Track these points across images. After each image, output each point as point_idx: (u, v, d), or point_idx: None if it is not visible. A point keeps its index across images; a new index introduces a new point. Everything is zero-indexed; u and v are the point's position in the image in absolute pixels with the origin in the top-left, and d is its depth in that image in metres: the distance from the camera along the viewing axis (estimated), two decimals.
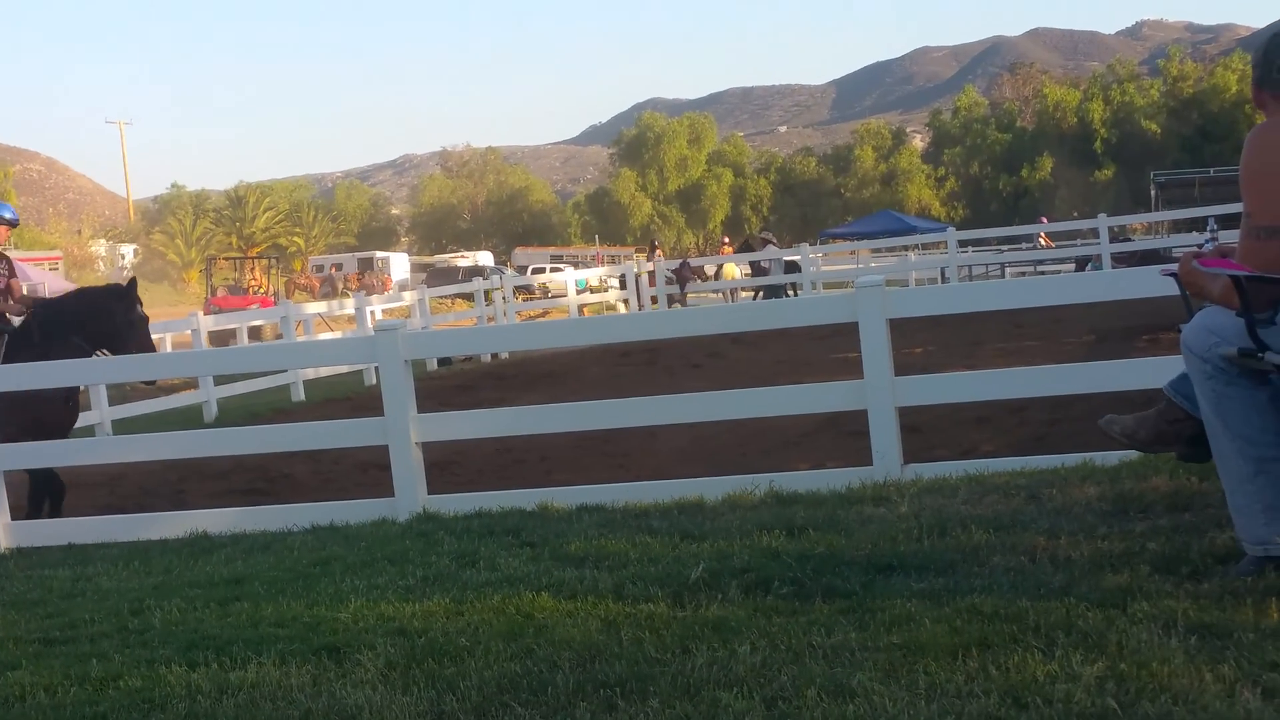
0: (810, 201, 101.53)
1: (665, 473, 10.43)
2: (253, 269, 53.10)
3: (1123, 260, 27.03)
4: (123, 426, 17.26)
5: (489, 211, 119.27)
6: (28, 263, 40.04)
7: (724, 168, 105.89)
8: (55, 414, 10.75)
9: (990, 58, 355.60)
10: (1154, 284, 6.88)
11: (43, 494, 10.67)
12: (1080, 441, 8.69)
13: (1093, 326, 18.65)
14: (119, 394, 19.51)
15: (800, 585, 5.00)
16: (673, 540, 6.17)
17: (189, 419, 17.79)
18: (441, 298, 37.58)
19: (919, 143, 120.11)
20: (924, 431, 10.98)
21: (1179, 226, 40.01)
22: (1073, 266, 33.88)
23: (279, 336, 24.24)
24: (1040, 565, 4.90)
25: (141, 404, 19.61)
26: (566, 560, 6.01)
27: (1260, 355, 4.24)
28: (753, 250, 37.19)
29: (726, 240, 39.79)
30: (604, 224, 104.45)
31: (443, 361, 24.02)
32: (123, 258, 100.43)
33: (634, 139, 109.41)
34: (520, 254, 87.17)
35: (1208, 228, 19.97)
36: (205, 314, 24.56)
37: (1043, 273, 34.78)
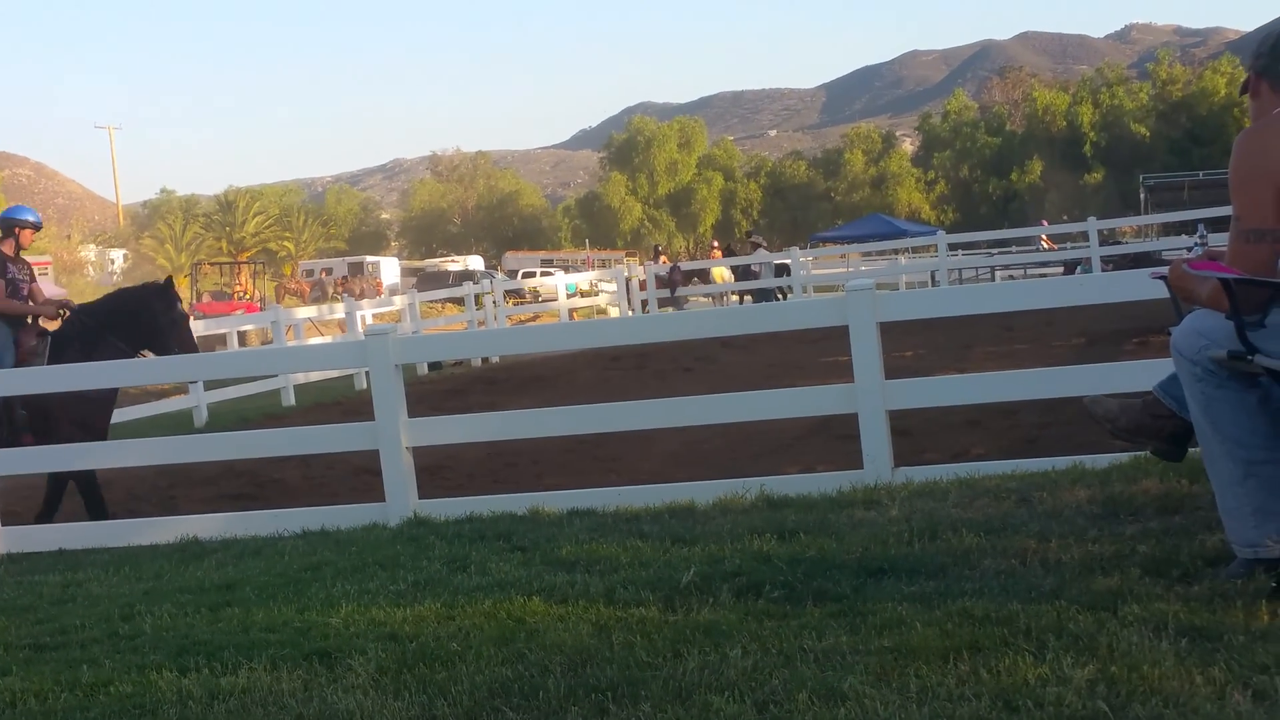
0: (800, 205, 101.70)
1: (656, 477, 10.41)
2: (239, 274, 52.95)
3: (1112, 263, 27.08)
4: (113, 431, 17.16)
5: (479, 216, 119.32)
6: None
7: (714, 171, 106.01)
8: (101, 415, 10.82)
9: (980, 61, 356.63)
10: (1144, 287, 6.89)
11: (66, 492, 10.77)
12: (1071, 445, 8.71)
13: (1083, 329, 18.67)
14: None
15: (791, 589, 5.00)
16: (664, 544, 6.17)
17: (179, 424, 17.76)
18: (432, 302, 37.54)
19: (909, 146, 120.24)
20: (914, 435, 10.98)
21: (1168, 229, 40.03)
22: (1061, 270, 33.92)
23: (266, 341, 24.26)
24: (1031, 568, 4.91)
25: (132, 409, 19.53)
26: (558, 565, 6.00)
27: (1249, 358, 4.25)
28: (735, 255, 37.22)
29: (715, 244, 39.79)
30: (594, 228, 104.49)
31: (433, 366, 24.00)
32: (112, 263, 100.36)
33: (624, 143, 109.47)
34: (511, 258, 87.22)
35: (1197, 233, 20.01)
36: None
37: (1033, 276, 34.85)
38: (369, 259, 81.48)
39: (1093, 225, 28.76)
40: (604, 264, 69.98)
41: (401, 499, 8.66)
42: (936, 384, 9.04)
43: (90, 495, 10.74)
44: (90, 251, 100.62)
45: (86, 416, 10.70)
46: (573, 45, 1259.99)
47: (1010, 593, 4.58)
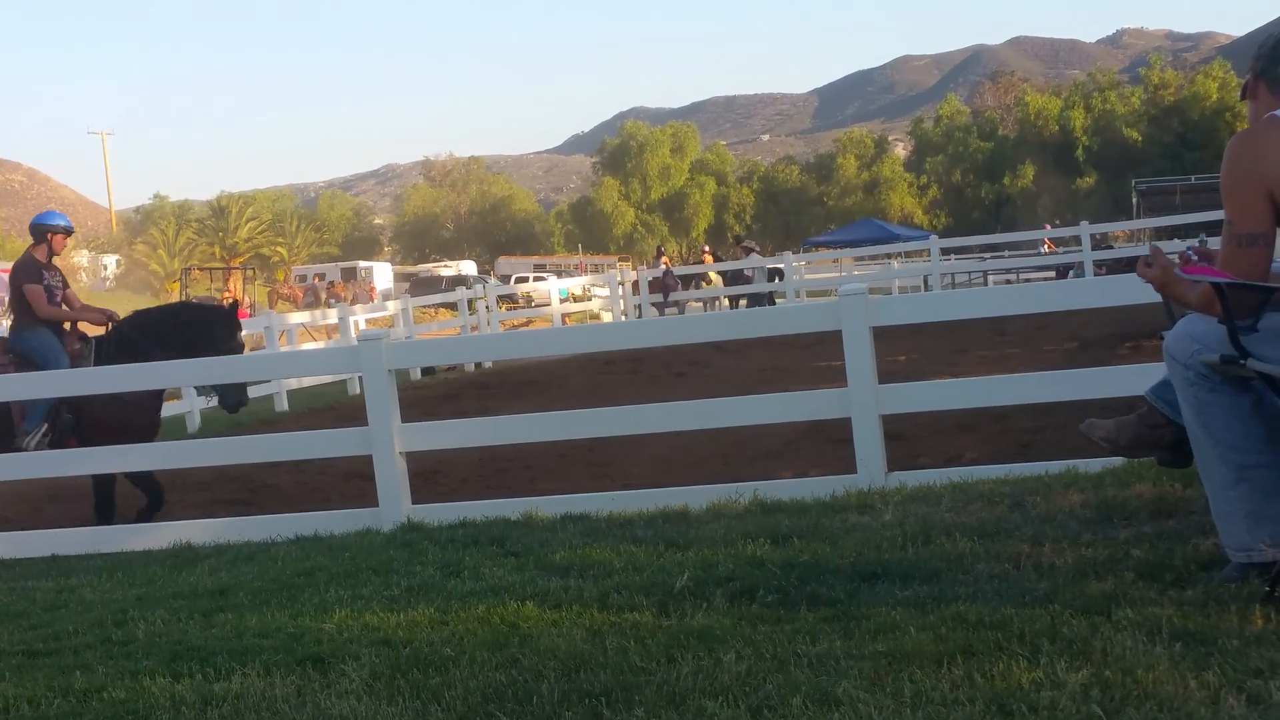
0: (793, 210, 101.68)
1: (649, 481, 10.40)
2: (228, 279, 52.76)
3: (1105, 267, 27.13)
4: None
5: (472, 221, 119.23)
6: (8, 274, 39.85)
7: (707, 176, 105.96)
8: (142, 419, 10.82)
9: (972, 66, 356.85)
10: (1136, 292, 6.90)
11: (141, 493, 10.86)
12: (1064, 449, 8.71)
13: (1075, 334, 18.68)
14: None
15: (785, 594, 5.00)
16: (657, 549, 6.17)
17: (172, 429, 17.70)
18: (425, 307, 37.52)
19: (901, 151, 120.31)
20: (908, 439, 10.99)
21: (1161, 234, 40.09)
22: (1053, 274, 33.97)
23: (258, 347, 24.19)
24: (1025, 573, 4.91)
25: None
26: (551, 569, 6.00)
27: (1242, 362, 4.25)
28: (723, 261, 37.25)
29: (706, 249, 39.80)
30: (587, 233, 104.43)
31: (426, 371, 23.99)
32: (105, 268, 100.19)
33: (617, 148, 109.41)
34: (504, 263, 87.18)
35: (1199, 239, 20.08)
36: None
37: (1026, 280, 34.88)
38: (362, 264, 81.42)
39: (1085, 229, 28.78)
40: (597, 269, 70.00)
41: (395, 504, 8.66)
42: (929, 388, 9.05)
43: (152, 493, 10.87)
44: (83, 257, 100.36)
45: (129, 420, 10.68)
46: (565, 50, 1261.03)
47: (1004, 597, 4.58)
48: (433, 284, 63.38)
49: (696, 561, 5.73)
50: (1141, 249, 33.30)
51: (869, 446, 7.88)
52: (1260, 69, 4.58)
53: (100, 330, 11.28)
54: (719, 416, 9.17)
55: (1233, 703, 3.41)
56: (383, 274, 78.62)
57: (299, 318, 27.13)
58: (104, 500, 10.83)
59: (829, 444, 11.08)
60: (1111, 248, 35.53)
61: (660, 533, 6.61)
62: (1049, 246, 40.12)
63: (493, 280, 63.81)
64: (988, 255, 46.95)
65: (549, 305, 34.20)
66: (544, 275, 64.87)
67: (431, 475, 11.79)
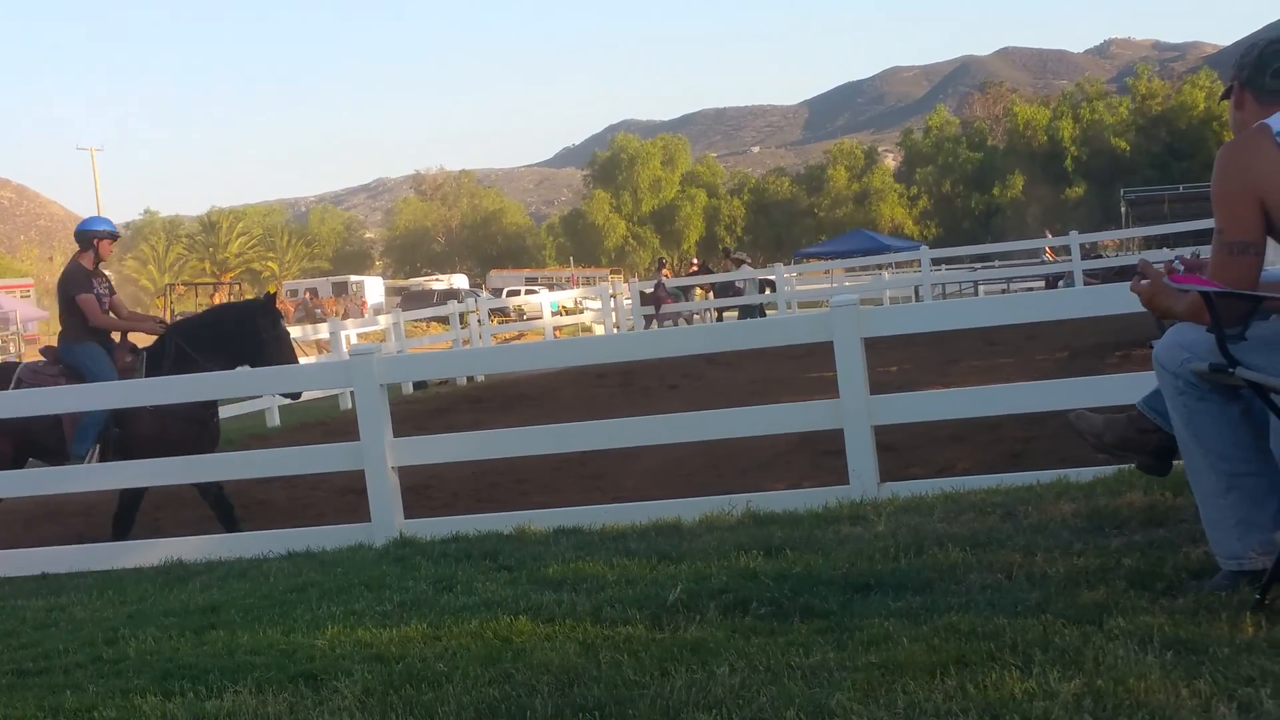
0: (784, 221, 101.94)
1: (642, 494, 10.40)
2: (213, 295, 52.55)
3: (1096, 277, 27.17)
4: None
5: (463, 234, 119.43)
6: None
7: (697, 188, 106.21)
8: (196, 430, 10.78)
9: (960, 77, 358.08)
10: (1125, 301, 6.91)
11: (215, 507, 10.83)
12: (1055, 458, 8.73)
13: (1066, 343, 18.72)
14: None
15: (778, 605, 5.00)
16: (650, 562, 6.16)
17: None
18: (416, 321, 37.50)
19: (891, 162, 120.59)
20: (900, 450, 10.99)
21: (1149, 243, 40.22)
22: (1043, 284, 34.01)
23: None
24: (1017, 582, 4.91)
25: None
26: (544, 583, 5.99)
27: (1231, 371, 4.26)
28: (711, 273, 37.28)
29: (695, 261, 39.84)
30: (578, 246, 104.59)
31: (418, 385, 23.95)
32: None
33: (607, 161, 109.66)
34: (495, 276, 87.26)
35: (1192, 253, 20.17)
36: None
37: (1016, 290, 34.93)
38: (353, 278, 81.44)
39: (1074, 239, 28.86)
40: (588, 281, 70.03)
41: (387, 519, 8.65)
42: (921, 399, 9.07)
43: (221, 506, 10.82)
44: None
45: (177, 435, 10.64)
46: (556, 63, 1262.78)
47: (996, 607, 4.58)
48: (424, 298, 63.43)
49: (689, 574, 5.73)
50: (1131, 258, 33.46)
51: (861, 457, 7.88)
52: (1246, 78, 4.59)
53: (149, 340, 11.24)
54: (711, 429, 9.17)
55: (1224, 711, 3.41)
56: (374, 288, 78.65)
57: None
58: (126, 514, 10.78)
59: (821, 455, 11.08)
60: (1101, 257, 35.60)
61: (653, 545, 6.61)
62: (1050, 255, 40.18)
63: (484, 294, 63.73)
64: (978, 265, 47.07)
65: (541, 318, 34.20)
66: (535, 288, 64.94)
67: (424, 490, 11.78)
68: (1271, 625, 4.01)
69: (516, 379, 23.13)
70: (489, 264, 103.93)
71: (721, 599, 5.18)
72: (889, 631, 4.43)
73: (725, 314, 32.64)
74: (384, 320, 28.64)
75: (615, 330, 31.34)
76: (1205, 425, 4.44)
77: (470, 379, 24.62)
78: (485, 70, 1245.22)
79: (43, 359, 11.30)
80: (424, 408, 20.31)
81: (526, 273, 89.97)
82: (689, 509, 7.75)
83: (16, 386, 10.56)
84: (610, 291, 33.56)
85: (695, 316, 33.26)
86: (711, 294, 34.15)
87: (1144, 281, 4.56)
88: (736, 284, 32.60)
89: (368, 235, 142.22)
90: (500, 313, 46.28)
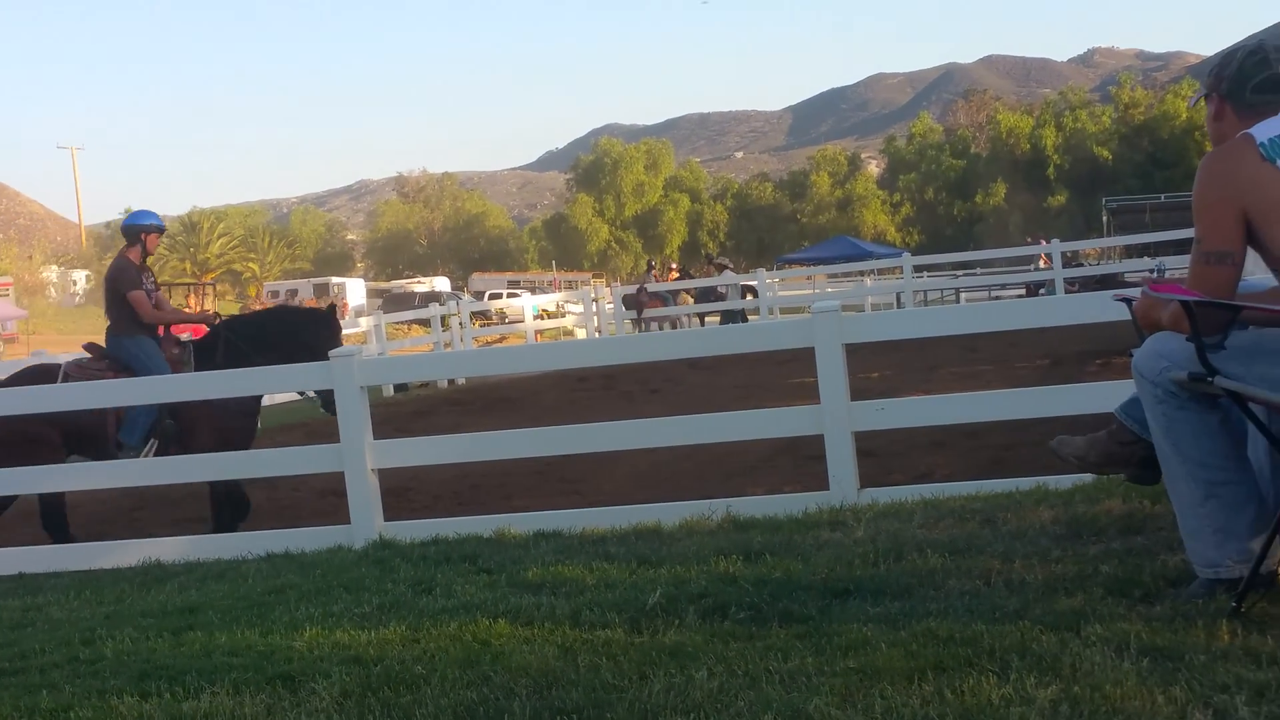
0: (767, 227, 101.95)
1: (622, 498, 10.40)
2: (188, 296, 52.15)
3: (1077, 285, 27.26)
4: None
5: (445, 237, 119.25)
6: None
7: (681, 193, 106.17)
8: (251, 423, 10.86)
9: (944, 84, 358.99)
10: (1106, 309, 6.94)
11: (226, 506, 10.79)
12: (1035, 465, 8.74)
13: (1047, 351, 18.78)
14: None
15: (757, 610, 5.00)
16: (630, 566, 6.16)
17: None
18: (398, 323, 37.45)
19: (874, 169, 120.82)
20: (880, 456, 11.01)
21: (1131, 252, 40.34)
22: (1023, 292, 34.10)
23: None
24: (995, 589, 4.92)
25: None
26: (523, 587, 5.99)
27: (1210, 380, 4.27)
28: (692, 278, 37.30)
29: (674, 266, 39.81)
30: (561, 249, 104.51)
31: (399, 387, 23.92)
32: (74, 284, 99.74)
33: (591, 165, 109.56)
34: (477, 279, 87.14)
35: (1156, 268, 20.29)
36: None
37: (997, 298, 35.02)
38: (335, 280, 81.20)
39: (1056, 247, 28.95)
40: (571, 285, 70.01)
41: (367, 521, 8.64)
42: (902, 405, 9.07)
43: (235, 506, 10.82)
44: (53, 273, 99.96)
45: (235, 427, 10.69)
46: (540, 67, 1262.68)
47: (975, 613, 4.59)
48: (406, 300, 63.26)
49: (669, 578, 5.73)
50: (1113, 266, 33.60)
51: (841, 463, 7.90)
52: (1226, 91, 4.61)
53: (192, 334, 11.25)
54: (692, 433, 9.18)
55: (1200, 718, 3.42)
56: (356, 290, 78.42)
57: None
58: (223, 507, 10.80)
59: (802, 460, 11.11)
60: (1083, 265, 35.70)
61: (633, 550, 6.61)
62: (1045, 262, 40.24)
63: (466, 297, 63.75)
64: (960, 273, 47.17)
65: (522, 322, 34.18)
66: (518, 292, 64.86)
67: (404, 492, 11.76)
68: (1247, 633, 4.02)
69: (498, 382, 23.12)
70: (471, 267, 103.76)
71: (700, 603, 5.18)
72: (867, 637, 4.44)
73: (707, 319, 32.65)
74: (365, 322, 28.59)
75: (597, 334, 31.34)
76: (1184, 434, 4.45)
77: (451, 382, 24.60)
78: (469, 73, 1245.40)
79: (87, 355, 11.32)
80: (405, 410, 20.29)
81: (509, 276, 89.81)
82: (669, 513, 7.76)
83: (64, 381, 10.61)
84: (592, 295, 33.57)
85: (681, 321, 33.27)
86: (693, 299, 34.16)
87: (1138, 303, 4.62)
88: (719, 289, 32.61)
89: (349, 237, 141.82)
90: (482, 316, 46.27)
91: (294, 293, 75.37)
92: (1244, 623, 4.11)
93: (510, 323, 40.90)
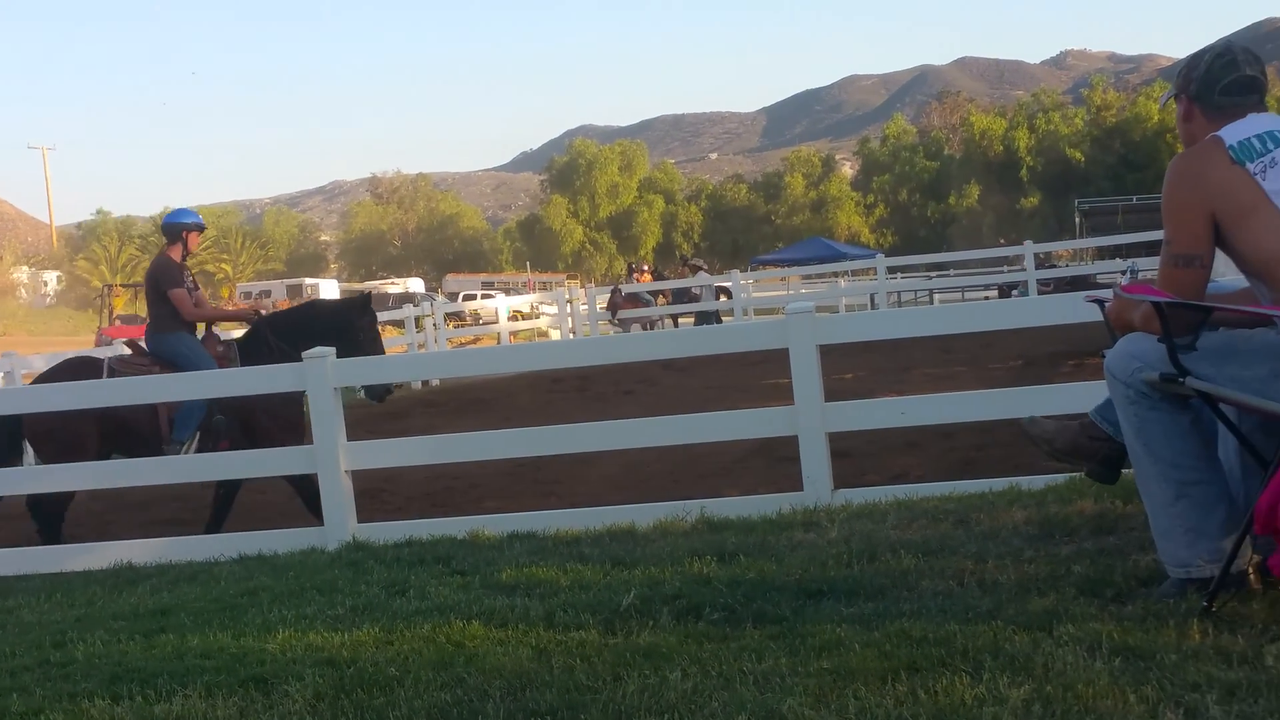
0: (741, 228, 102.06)
1: (596, 500, 10.40)
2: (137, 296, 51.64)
3: (1050, 286, 27.36)
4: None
5: (419, 238, 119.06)
6: None
7: (655, 194, 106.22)
8: (298, 419, 10.76)
9: (918, 86, 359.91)
10: (1079, 310, 6.97)
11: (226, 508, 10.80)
12: (1008, 466, 8.80)
13: (1020, 352, 18.83)
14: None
15: (731, 611, 5.01)
16: (604, 567, 6.16)
17: None
18: None
19: (848, 170, 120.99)
20: (854, 457, 11.04)
21: (1103, 253, 40.53)
22: (995, 293, 34.20)
23: None
24: (968, 589, 4.94)
25: None
26: (497, 588, 5.98)
27: (1181, 380, 4.30)
28: (665, 279, 37.27)
29: (646, 268, 39.73)
30: (535, 251, 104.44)
31: (371, 392, 23.81)
32: (45, 285, 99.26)
33: (565, 166, 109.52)
34: (451, 280, 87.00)
35: (1128, 269, 20.34)
36: (96, 345, 24.23)
37: (971, 299, 35.13)
38: (308, 281, 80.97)
39: (1029, 249, 29.04)
40: (545, 286, 69.93)
41: (340, 523, 8.62)
42: (876, 406, 9.10)
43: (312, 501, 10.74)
44: (23, 273, 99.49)
45: (286, 422, 10.70)
46: (514, 68, 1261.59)
47: (948, 613, 4.60)
48: (380, 301, 62.92)
49: (643, 579, 5.73)
50: (1085, 268, 33.72)
51: (815, 464, 7.91)
52: (1195, 93, 4.64)
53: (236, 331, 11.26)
54: (666, 435, 9.19)
55: (1171, 716, 3.44)
56: (329, 291, 78.14)
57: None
58: (223, 508, 10.81)
59: (776, 462, 11.12)
60: (1055, 266, 35.84)
61: (607, 551, 6.61)
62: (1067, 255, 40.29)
63: (440, 298, 63.59)
64: (934, 274, 47.31)
65: (496, 323, 34.11)
66: (492, 293, 64.75)
67: (377, 494, 11.74)
68: (1219, 632, 4.04)
69: (472, 383, 23.09)
70: (445, 268, 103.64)
71: (675, 604, 5.18)
72: (841, 637, 4.44)
73: (681, 320, 32.66)
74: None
75: (572, 335, 31.32)
76: (1155, 434, 4.47)
77: (425, 383, 24.54)
78: (443, 73, 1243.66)
79: (128, 351, 11.31)
80: (378, 411, 20.20)
81: (483, 277, 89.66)
82: (643, 514, 7.76)
83: (109, 377, 10.61)
84: (567, 297, 33.54)
85: (656, 322, 33.27)
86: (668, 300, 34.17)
87: (1110, 304, 4.64)
88: (693, 290, 32.63)
89: (323, 238, 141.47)
90: (456, 317, 46.15)
91: (267, 293, 75.13)
92: (1215, 622, 4.13)
93: (484, 324, 40.78)
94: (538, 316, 37.44)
